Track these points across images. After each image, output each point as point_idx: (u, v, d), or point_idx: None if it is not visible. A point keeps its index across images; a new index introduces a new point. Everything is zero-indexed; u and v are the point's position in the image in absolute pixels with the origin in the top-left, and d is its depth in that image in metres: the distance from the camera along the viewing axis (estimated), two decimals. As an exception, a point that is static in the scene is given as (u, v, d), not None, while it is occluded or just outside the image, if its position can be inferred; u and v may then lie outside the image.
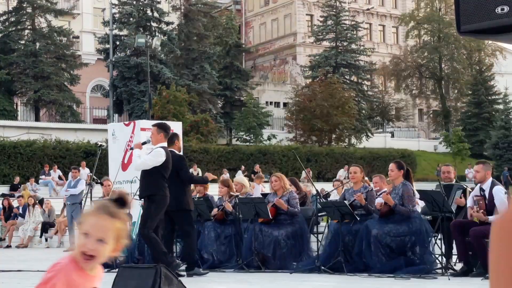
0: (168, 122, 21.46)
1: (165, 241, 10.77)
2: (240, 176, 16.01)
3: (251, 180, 20.04)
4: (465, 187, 11.14)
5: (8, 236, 22.01)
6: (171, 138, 10.97)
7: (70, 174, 19.65)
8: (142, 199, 10.54)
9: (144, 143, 10.43)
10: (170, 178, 10.58)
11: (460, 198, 10.73)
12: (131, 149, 10.57)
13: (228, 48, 56.37)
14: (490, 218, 9.55)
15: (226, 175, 35.05)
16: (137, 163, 10.15)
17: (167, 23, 50.79)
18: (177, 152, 11.04)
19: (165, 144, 10.41)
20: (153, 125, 10.78)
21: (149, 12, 49.96)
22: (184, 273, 10.57)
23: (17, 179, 30.58)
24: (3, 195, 27.99)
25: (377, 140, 54.58)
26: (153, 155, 10.21)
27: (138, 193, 10.94)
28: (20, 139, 35.45)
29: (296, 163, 41.19)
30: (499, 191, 9.68)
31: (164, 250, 10.10)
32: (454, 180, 11.41)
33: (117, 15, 49.81)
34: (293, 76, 65.51)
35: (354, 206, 10.74)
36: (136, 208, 10.82)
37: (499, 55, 65.93)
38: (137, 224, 12.20)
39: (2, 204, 23.18)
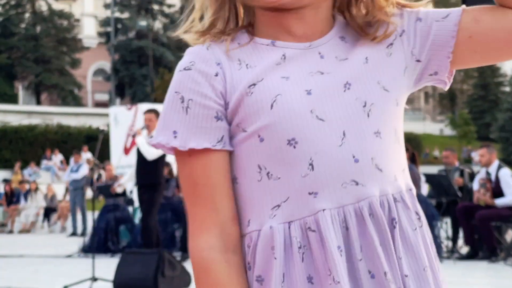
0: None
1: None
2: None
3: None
4: (462, 168, 11.14)
5: (10, 221, 22.02)
6: None
7: (71, 159, 19.61)
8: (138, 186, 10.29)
9: (142, 128, 10.33)
10: None
11: (458, 179, 10.73)
12: (133, 136, 10.39)
13: (230, 31, 56.33)
14: (497, 201, 9.51)
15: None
16: (153, 153, 9.97)
17: (169, 6, 50.63)
18: None
19: None
20: (151, 111, 10.51)
21: (150, -6, 49.88)
22: None
23: (18, 165, 30.53)
24: (5, 180, 27.99)
25: (381, 123, 54.51)
26: None
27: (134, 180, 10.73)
28: (21, 124, 35.45)
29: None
30: (506, 174, 9.63)
31: (158, 243, 10.05)
32: (457, 164, 11.39)
33: (118, -2, 49.74)
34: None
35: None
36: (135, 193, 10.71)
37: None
38: (138, 209, 12.18)
39: (4, 189, 23.19)
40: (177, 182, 11.61)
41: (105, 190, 12.84)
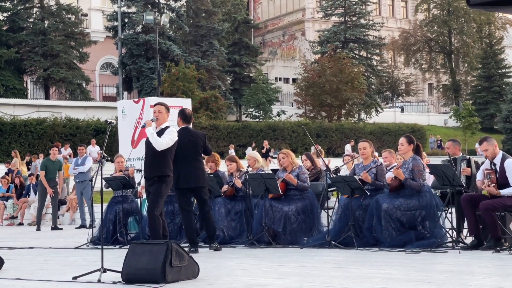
0: (178, 99, 21.50)
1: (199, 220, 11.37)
2: (253, 151, 16.01)
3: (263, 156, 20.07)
4: (468, 157, 11.13)
5: (20, 213, 22.14)
6: (190, 117, 11.05)
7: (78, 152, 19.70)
8: (149, 178, 10.28)
9: (152, 120, 10.39)
10: (193, 155, 10.65)
11: (466, 169, 10.74)
12: (143, 126, 10.43)
13: (236, 24, 56.23)
14: (502, 191, 9.52)
15: (231, 150, 35.21)
16: (162, 143, 9.99)
17: (175, 0, 50.63)
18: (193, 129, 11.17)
19: (168, 123, 10.42)
20: (160, 104, 10.56)
21: (157, -12, 49.86)
22: (220, 246, 10.85)
23: (27, 157, 30.68)
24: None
25: (387, 115, 54.53)
26: (172, 135, 10.14)
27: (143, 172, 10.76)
28: (30, 118, 35.59)
29: (306, 139, 41.21)
30: (510, 164, 9.63)
31: (166, 234, 10.10)
32: (461, 154, 11.40)
33: (125, -8, 49.75)
34: (302, 52, 65.34)
35: (364, 181, 10.73)
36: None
37: (509, 28, 65.57)
38: (146, 201, 12.26)
39: (14, 182, 23.31)
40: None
41: (113, 182, 12.91)
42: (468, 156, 11.23)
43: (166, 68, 43.46)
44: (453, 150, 11.26)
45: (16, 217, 22.30)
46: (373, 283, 6.81)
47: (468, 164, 10.83)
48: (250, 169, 12.31)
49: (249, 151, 36.11)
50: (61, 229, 18.49)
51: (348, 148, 37.63)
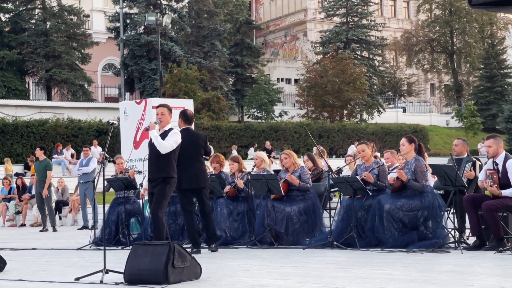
0: (180, 100, 21.49)
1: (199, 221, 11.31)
2: (261, 152, 16.04)
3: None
4: (474, 159, 11.09)
5: (22, 214, 22.16)
6: (192, 118, 11.06)
7: (82, 153, 19.74)
8: (153, 180, 10.24)
9: (155, 122, 10.36)
10: (195, 156, 10.66)
11: (470, 171, 10.71)
12: (147, 129, 10.38)
13: (238, 25, 56.23)
14: (504, 192, 9.51)
15: (233, 151, 35.20)
16: (167, 146, 9.95)
17: (177, 1, 50.64)
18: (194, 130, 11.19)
19: (171, 125, 10.41)
20: (163, 106, 10.52)
21: (158, -11, 49.85)
22: (217, 247, 10.88)
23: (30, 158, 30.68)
24: (17, 174, 28.15)
25: (389, 116, 54.49)
26: (176, 137, 10.12)
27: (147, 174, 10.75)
28: (32, 119, 35.60)
29: (308, 140, 41.20)
30: (513, 164, 9.62)
31: (167, 236, 10.07)
32: (466, 154, 11.35)
33: (127, -7, 49.74)
34: (304, 53, 65.33)
35: (366, 182, 10.73)
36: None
37: (511, 28, 65.51)
38: (148, 202, 12.26)
39: (16, 183, 23.35)
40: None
41: (115, 183, 12.91)
42: (474, 158, 11.14)
43: (168, 69, 43.45)
44: (461, 149, 11.19)
45: (21, 212, 22.30)
46: (375, 283, 6.81)
47: (473, 167, 10.78)
48: (255, 168, 12.31)
49: (251, 151, 36.13)
50: (56, 230, 18.50)
51: (351, 149, 37.58)
